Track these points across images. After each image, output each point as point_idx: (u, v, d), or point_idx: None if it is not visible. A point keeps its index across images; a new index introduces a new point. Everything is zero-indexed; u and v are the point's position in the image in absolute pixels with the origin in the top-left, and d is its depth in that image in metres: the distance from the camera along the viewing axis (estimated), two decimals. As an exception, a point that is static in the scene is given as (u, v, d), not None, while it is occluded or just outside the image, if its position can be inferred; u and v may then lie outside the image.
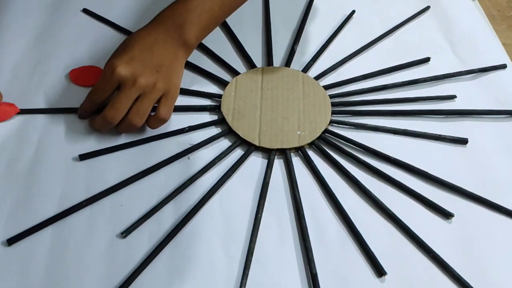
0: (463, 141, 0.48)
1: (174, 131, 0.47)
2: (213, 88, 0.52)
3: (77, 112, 0.47)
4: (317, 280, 0.38)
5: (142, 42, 0.46)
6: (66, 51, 0.54)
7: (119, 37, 0.56)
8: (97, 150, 0.45)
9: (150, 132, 0.47)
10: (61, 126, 0.47)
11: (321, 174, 0.45)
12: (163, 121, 0.46)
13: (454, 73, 0.55)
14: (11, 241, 0.39)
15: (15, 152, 0.45)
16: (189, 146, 0.46)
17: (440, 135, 0.49)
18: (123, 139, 0.46)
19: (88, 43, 0.55)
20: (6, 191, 0.42)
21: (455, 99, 0.52)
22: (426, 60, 0.56)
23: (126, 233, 0.40)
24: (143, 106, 0.44)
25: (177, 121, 0.48)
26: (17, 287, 0.37)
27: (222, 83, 0.52)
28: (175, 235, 0.40)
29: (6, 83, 0.50)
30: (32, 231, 0.40)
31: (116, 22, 0.57)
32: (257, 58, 0.55)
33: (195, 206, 0.42)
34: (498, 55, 0.57)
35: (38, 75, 0.51)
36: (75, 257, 0.39)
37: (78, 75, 0.51)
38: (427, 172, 0.46)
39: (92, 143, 0.46)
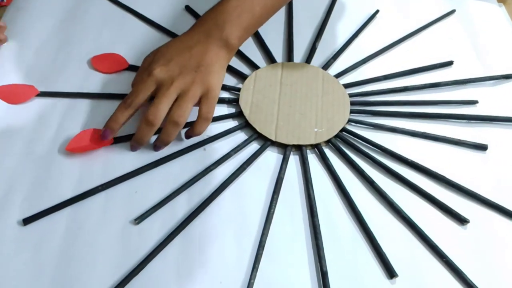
0: (482, 147, 0.48)
1: (191, 122, 0.47)
2: (232, 81, 0.52)
3: (102, 132, 0.44)
4: (327, 278, 0.38)
5: (180, 44, 0.46)
6: (89, 37, 0.54)
7: (141, 26, 0.56)
8: (115, 138, 0.45)
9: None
10: (80, 110, 0.48)
11: (336, 173, 0.45)
12: (207, 120, 0.45)
13: (476, 78, 0.54)
14: (26, 221, 0.40)
15: (34, 134, 0.45)
16: (205, 137, 0.46)
17: (459, 139, 0.48)
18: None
19: (111, 30, 0.55)
20: (24, 171, 0.43)
21: (477, 104, 0.52)
22: (449, 63, 0.55)
23: (139, 219, 0.40)
24: (184, 103, 0.43)
25: (195, 112, 0.48)
26: (30, 266, 0.38)
27: (242, 77, 0.52)
28: (187, 224, 0.41)
29: (27, 65, 0.51)
30: (48, 212, 0.40)
31: (139, 11, 0.57)
32: (278, 53, 0.55)
33: (208, 197, 0.42)
34: (522, 62, 0.56)
35: (60, 59, 0.52)
36: (88, 240, 0.39)
37: (99, 62, 0.52)
38: (444, 176, 0.45)
39: (110, 129, 0.46)
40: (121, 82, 0.50)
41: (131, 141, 0.45)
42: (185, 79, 0.44)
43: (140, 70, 0.46)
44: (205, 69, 0.44)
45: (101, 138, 0.44)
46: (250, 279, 0.38)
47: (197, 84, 0.44)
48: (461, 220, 0.42)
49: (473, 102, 0.52)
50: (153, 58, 0.46)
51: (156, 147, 0.45)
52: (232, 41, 0.46)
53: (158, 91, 0.44)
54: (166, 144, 0.45)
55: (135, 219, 0.40)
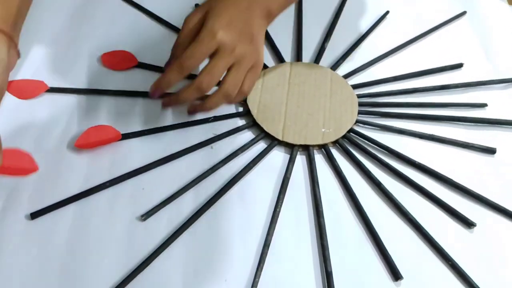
0: (491, 151, 0.47)
1: (199, 120, 0.48)
2: (240, 80, 0.52)
3: (151, 89, 0.42)
4: (332, 278, 0.38)
5: (237, 4, 0.41)
6: (99, 34, 0.55)
7: (151, 24, 0.57)
8: (123, 134, 0.46)
9: (175, 119, 0.47)
10: (89, 107, 0.48)
11: (343, 173, 0.45)
12: (245, 95, 0.43)
13: (486, 81, 0.54)
14: (34, 215, 0.40)
15: (43, 129, 0.46)
16: (213, 135, 0.47)
17: (467, 143, 0.48)
18: (148, 125, 0.47)
19: (122, 28, 0.56)
20: (33, 166, 0.43)
21: (486, 107, 0.51)
22: (459, 66, 0.55)
23: (146, 216, 0.41)
24: (238, 74, 0.40)
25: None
26: (37, 260, 0.38)
27: (250, 76, 0.52)
28: (193, 222, 0.41)
29: (38, 61, 0.51)
30: (55, 207, 0.41)
31: (149, 9, 0.58)
32: (287, 53, 0.55)
33: (215, 195, 0.42)
34: (534, 65, 0.56)
35: (70, 56, 0.52)
36: (95, 236, 0.40)
37: (109, 59, 0.52)
38: (451, 179, 0.45)
39: (118, 126, 0.46)
40: (131, 79, 0.51)
41: (172, 96, 0.44)
42: (244, 48, 0.40)
43: (186, 31, 0.42)
44: (256, 39, 0.41)
45: (150, 95, 0.43)
46: (255, 277, 0.38)
47: (252, 55, 0.41)
48: (468, 224, 0.42)
49: (482, 105, 0.51)
50: (205, 16, 0.41)
51: (192, 112, 0.44)
52: (274, 11, 0.43)
53: (216, 55, 0.40)
54: (208, 111, 0.44)
55: (142, 216, 0.41)
